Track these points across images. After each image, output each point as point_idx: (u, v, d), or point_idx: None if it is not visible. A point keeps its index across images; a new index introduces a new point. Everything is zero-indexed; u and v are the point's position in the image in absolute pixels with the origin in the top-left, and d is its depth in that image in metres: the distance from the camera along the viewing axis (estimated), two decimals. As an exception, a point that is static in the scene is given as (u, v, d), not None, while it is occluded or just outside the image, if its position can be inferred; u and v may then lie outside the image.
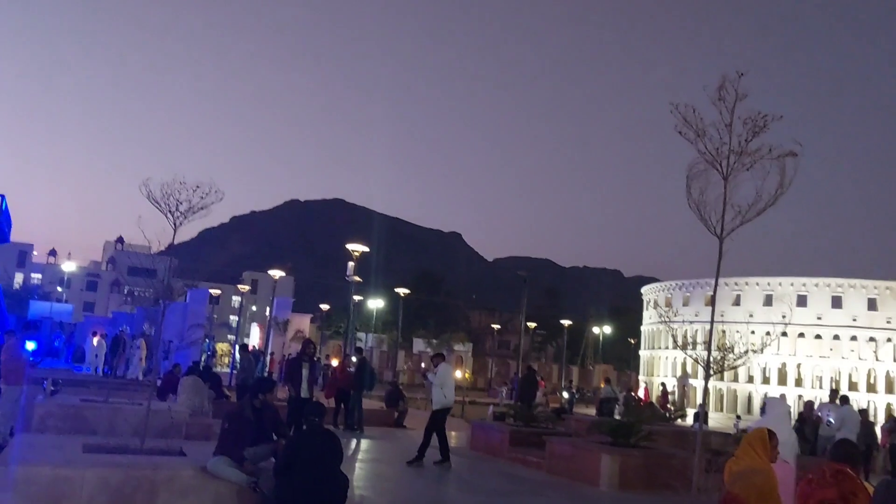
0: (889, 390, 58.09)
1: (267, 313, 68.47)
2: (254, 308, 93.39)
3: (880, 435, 20.45)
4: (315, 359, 14.77)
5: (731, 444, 14.49)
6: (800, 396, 52.69)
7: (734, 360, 5.14)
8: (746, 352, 5.19)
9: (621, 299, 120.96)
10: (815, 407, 19.84)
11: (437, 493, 12.09)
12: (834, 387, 45.08)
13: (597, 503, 11.76)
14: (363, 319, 76.40)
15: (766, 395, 43.57)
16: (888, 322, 60.80)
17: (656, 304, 74.46)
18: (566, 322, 68.35)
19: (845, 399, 18.38)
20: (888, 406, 55.62)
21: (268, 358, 40.08)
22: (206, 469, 7.33)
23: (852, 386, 57.37)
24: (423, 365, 40.61)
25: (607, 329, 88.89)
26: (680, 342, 56.74)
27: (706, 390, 5.66)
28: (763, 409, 10.38)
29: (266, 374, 30.12)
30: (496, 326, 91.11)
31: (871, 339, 60.44)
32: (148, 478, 7.03)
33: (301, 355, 13.91)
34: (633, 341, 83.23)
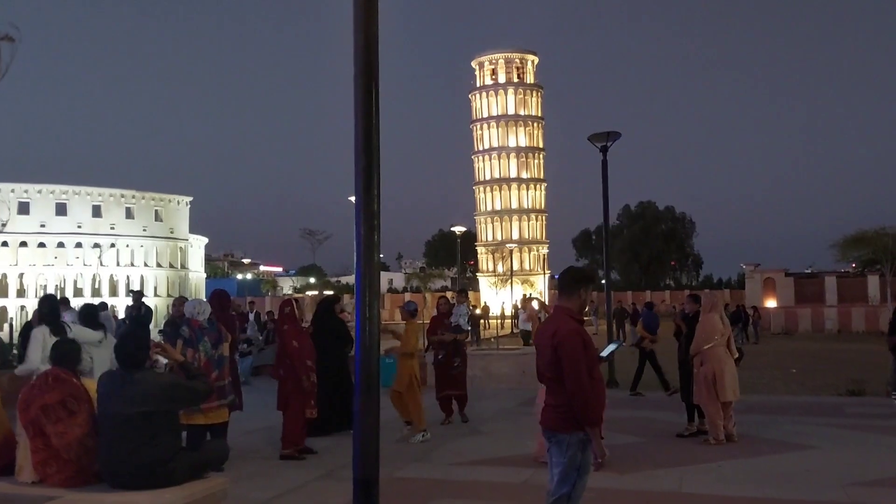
0: (113, 293, 61.21)
1: None
2: None
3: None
4: None
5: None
6: (22, 307, 51.22)
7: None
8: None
9: None
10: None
11: None
12: (62, 294, 45.03)
13: None
14: None
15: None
16: (112, 228, 63.94)
17: None
18: None
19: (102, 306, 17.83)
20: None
21: None
22: None
23: (77, 292, 58.56)
24: None
25: None
26: None
27: None
28: None
29: None
30: None
31: (97, 245, 62.68)
32: None
33: None
34: None
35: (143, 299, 17.64)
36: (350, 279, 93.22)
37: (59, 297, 18.55)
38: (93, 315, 8.03)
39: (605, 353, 4.81)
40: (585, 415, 4.19)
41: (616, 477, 7.17)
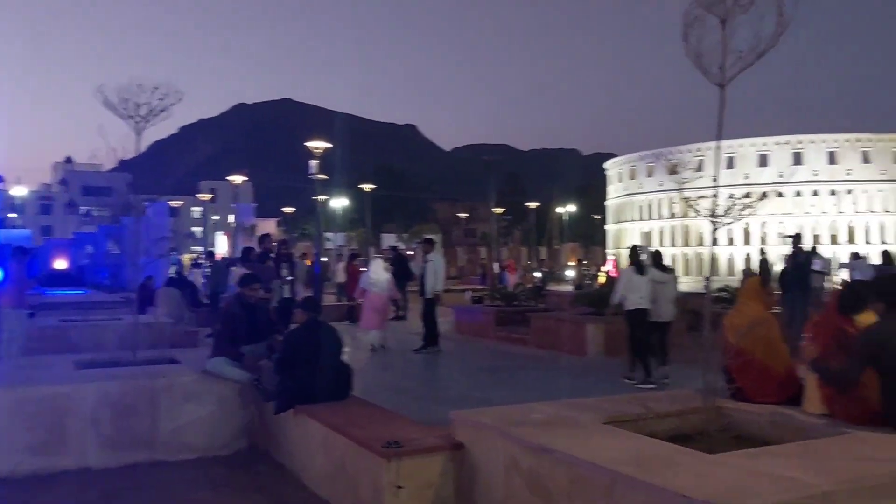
0: (851, 240, 59.81)
1: (229, 220, 67.72)
2: (215, 217, 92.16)
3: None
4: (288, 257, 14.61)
5: (707, 303, 14.81)
6: (762, 252, 54.00)
7: (742, 209, 5.10)
8: (760, 196, 5.18)
9: (581, 177, 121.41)
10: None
11: (435, 373, 12.42)
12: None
13: (588, 369, 12.01)
14: (327, 219, 75.83)
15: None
16: (847, 174, 62.20)
17: (621, 178, 74.93)
18: (532, 204, 68.68)
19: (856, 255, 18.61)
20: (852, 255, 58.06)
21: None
22: (206, 372, 7.23)
23: (816, 239, 59.01)
24: (410, 252, 40.96)
25: (571, 208, 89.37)
26: (645, 213, 57.08)
27: (712, 253, 5.59)
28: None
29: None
30: (464, 215, 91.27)
31: (833, 193, 61.97)
32: (147, 387, 6.90)
33: (279, 255, 13.84)
34: (597, 217, 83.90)
35: (803, 245, 16.99)
36: None
37: (807, 246, 19.00)
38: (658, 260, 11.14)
39: None
40: None
41: None
